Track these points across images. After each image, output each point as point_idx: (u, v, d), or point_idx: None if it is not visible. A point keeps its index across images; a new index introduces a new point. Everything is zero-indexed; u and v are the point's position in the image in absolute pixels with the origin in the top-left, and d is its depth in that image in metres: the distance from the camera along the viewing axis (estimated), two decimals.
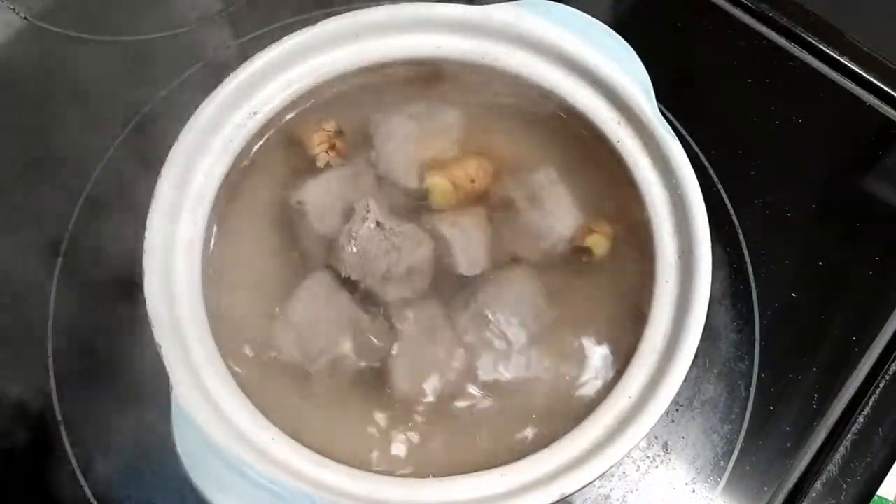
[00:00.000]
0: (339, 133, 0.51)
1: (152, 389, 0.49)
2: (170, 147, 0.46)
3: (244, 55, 0.50)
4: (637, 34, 0.51)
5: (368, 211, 0.47)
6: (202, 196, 0.47)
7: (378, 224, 0.47)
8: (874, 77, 0.66)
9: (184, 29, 0.65)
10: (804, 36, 0.67)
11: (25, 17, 0.66)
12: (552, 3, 0.52)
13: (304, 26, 0.50)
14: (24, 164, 0.59)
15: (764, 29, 0.68)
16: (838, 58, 0.67)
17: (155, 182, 0.45)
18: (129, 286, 0.49)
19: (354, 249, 0.46)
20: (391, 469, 0.42)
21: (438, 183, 0.49)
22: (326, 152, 0.50)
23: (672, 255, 0.47)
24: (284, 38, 0.50)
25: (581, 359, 0.47)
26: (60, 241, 0.57)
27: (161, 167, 0.46)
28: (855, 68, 0.66)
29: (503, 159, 0.52)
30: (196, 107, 0.48)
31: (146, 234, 0.44)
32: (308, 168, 0.50)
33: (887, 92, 0.65)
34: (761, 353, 0.55)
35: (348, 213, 0.47)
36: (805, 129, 0.65)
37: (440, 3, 0.52)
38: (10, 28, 0.66)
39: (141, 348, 0.50)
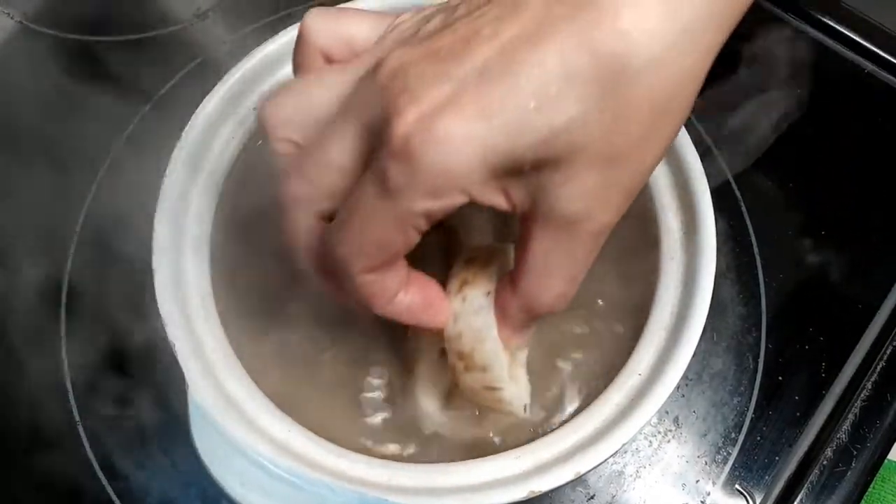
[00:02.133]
0: None
1: (168, 386, 0.50)
2: (172, 146, 0.47)
3: (242, 50, 0.49)
4: None
5: None
6: (208, 193, 0.47)
7: None
8: (872, 44, 0.65)
9: (179, 26, 0.65)
10: (798, 2, 0.67)
11: (20, 21, 0.66)
12: None
13: (300, 18, 0.50)
14: (23, 166, 0.59)
15: None
16: (834, 25, 0.66)
17: (160, 182, 0.46)
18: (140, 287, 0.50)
19: None
20: (406, 457, 0.43)
21: None
22: None
23: (676, 231, 0.47)
24: (281, 31, 0.50)
25: (589, 338, 0.48)
26: (68, 244, 0.57)
27: (164, 167, 0.46)
28: (852, 35, 0.66)
29: None
30: (196, 105, 0.48)
31: (154, 234, 0.44)
32: None
33: (886, 59, 0.65)
34: (768, 324, 0.56)
35: None
36: (802, 96, 0.64)
37: None
38: (3, 32, 0.65)
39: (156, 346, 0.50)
